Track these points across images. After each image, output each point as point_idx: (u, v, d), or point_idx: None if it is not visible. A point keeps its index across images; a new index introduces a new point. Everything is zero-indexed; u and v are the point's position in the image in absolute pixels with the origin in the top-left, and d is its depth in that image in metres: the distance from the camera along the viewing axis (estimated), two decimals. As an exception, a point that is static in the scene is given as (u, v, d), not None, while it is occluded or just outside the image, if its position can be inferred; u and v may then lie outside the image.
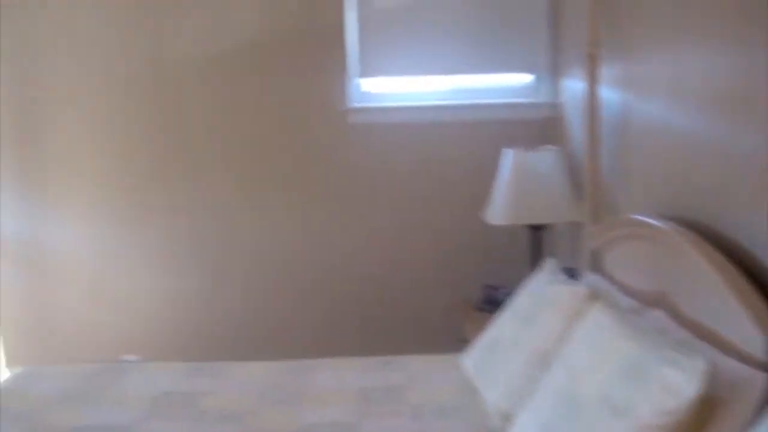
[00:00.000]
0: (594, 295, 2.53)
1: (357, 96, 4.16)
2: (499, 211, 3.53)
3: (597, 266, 3.02)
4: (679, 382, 1.72)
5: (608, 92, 3.13)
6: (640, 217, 2.63)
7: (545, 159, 3.51)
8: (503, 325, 2.85)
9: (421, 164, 4.12)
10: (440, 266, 4.16)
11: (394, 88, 4.20)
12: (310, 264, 4.19)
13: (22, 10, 4.02)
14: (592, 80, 3.10)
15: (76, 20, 4.06)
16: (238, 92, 4.09)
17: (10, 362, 3.66)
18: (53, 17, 4.05)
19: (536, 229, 3.60)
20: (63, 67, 4.08)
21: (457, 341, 3.36)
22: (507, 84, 4.18)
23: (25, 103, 4.10)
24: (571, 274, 3.07)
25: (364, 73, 4.15)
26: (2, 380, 3.40)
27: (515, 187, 3.48)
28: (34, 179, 4.16)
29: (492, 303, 3.64)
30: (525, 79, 4.18)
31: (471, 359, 2.92)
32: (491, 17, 4.10)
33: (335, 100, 4.08)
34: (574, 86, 3.66)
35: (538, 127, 4.00)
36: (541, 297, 2.73)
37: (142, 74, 4.09)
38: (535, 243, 3.61)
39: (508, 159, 3.52)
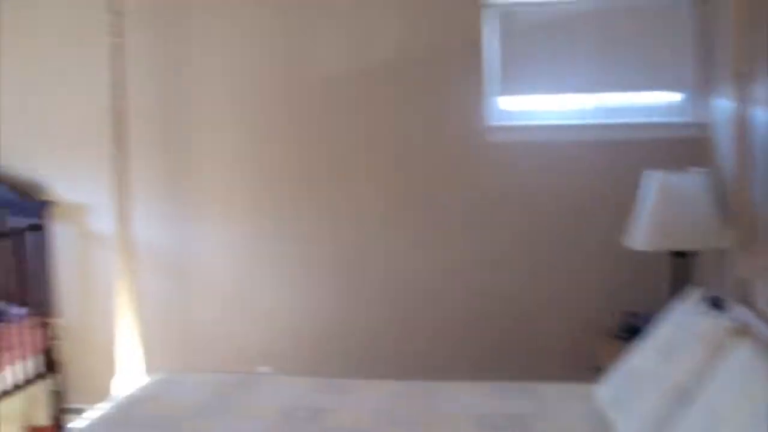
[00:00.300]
0: (741, 330, 2.36)
1: (496, 114, 4.09)
2: (641, 235, 3.37)
3: (745, 298, 2.83)
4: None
5: (761, 112, 2.93)
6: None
7: (692, 182, 3.33)
8: (642, 356, 2.71)
9: (560, 185, 4.00)
10: (576, 290, 4.02)
11: (534, 107, 4.11)
12: (444, 284, 4.14)
13: (175, 29, 4.20)
14: (742, 99, 2.92)
15: (224, 39, 4.21)
16: (377, 110, 4.12)
17: (150, 369, 3.80)
18: (202, 35, 4.22)
19: (680, 256, 3.42)
20: (209, 83, 4.24)
21: (591, 369, 3.23)
22: (653, 102, 4.01)
23: (174, 118, 4.28)
24: (717, 304, 2.88)
25: (505, 91, 4.08)
26: (140, 386, 3.53)
27: (659, 211, 3.32)
28: (178, 190, 4.33)
29: (630, 331, 3.48)
30: (673, 97, 3.99)
31: (606, 389, 2.79)
32: (638, 33, 3.94)
33: (473, 119, 4.03)
34: (724, 106, 3.46)
35: (684, 148, 3.80)
36: (682, 328, 2.58)
37: (284, 92, 4.19)
38: (678, 270, 3.42)
39: (653, 181, 3.36)
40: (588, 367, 3.36)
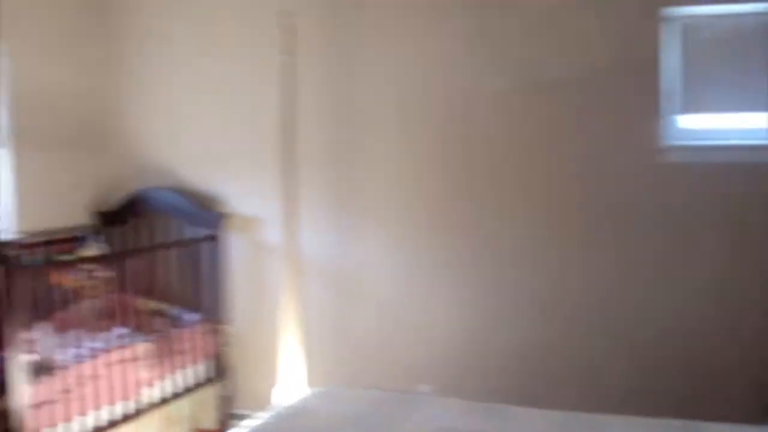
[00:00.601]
0: None
1: (674, 133, 3.86)
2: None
3: None
4: None
5: None
6: None
7: None
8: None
9: (745, 210, 3.70)
10: (756, 325, 3.70)
11: (715, 125, 3.84)
12: (617, 311, 3.92)
13: (345, 46, 4.26)
14: None
15: (392, 55, 4.23)
16: (547, 126, 3.99)
17: (312, 382, 3.85)
18: (371, 51, 4.26)
19: None
20: (376, 99, 4.27)
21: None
22: None
23: (341, 134, 4.35)
24: None
25: (686, 108, 3.84)
26: (300, 397, 3.58)
27: None
28: (344, 204, 4.39)
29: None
30: None
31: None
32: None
33: (649, 138, 3.81)
34: None
35: None
36: None
37: (450, 106, 4.15)
38: None
39: None
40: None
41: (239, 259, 4.62)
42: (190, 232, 4.59)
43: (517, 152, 4.06)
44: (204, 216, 4.58)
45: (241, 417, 4.30)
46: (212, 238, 4.54)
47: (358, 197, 4.37)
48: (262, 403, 4.14)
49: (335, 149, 4.39)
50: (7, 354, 3.23)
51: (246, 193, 4.61)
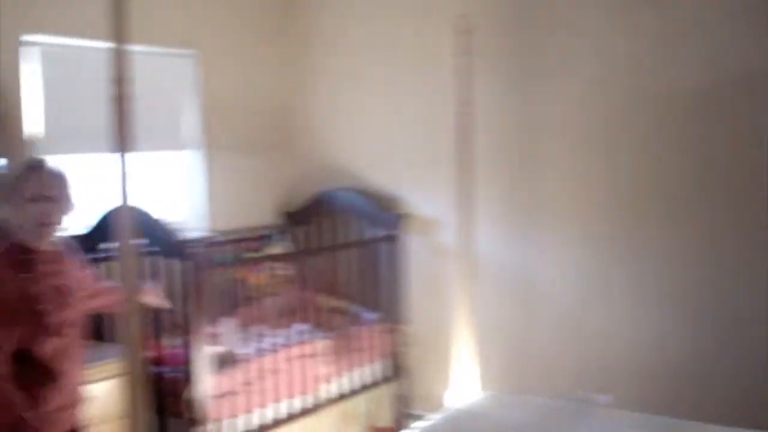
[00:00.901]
0: None
1: None
2: None
3: None
4: None
5: None
6: None
7: None
8: None
9: None
10: None
11: None
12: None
13: (522, 45, 4.18)
14: None
15: (571, 53, 4.09)
16: (737, 125, 3.70)
17: (485, 386, 3.80)
18: (549, 50, 4.15)
19: None
20: (555, 99, 4.14)
21: None
22: None
23: (519, 136, 4.26)
24: None
25: None
26: (472, 401, 3.54)
27: None
28: (521, 208, 4.29)
29: None
30: None
31: None
32: None
33: None
34: None
35: None
36: None
37: (635, 105, 3.94)
38: None
39: None
40: None
41: (417, 259, 4.64)
42: (371, 232, 4.67)
43: (704, 153, 3.79)
44: (384, 217, 4.65)
45: (416, 417, 4.31)
46: (392, 239, 4.60)
47: (535, 200, 4.26)
48: (436, 405, 4.13)
49: (512, 151, 4.31)
50: (194, 346, 3.42)
51: (424, 194, 4.63)
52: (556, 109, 4.17)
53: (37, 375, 2.53)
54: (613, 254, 4.05)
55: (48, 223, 2.56)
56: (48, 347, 2.53)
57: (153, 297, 3.23)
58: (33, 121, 3.75)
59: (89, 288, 2.82)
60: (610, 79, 4.01)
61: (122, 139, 2.21)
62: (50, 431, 2.57)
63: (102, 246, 3.49)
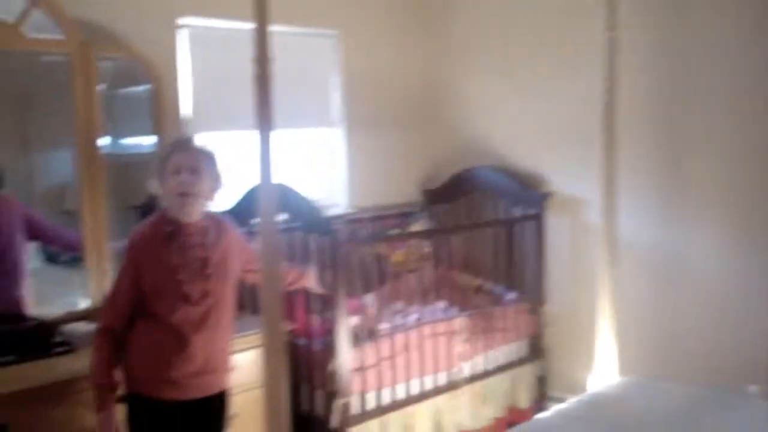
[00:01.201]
0: None
1: None
2: None
3: None
4: None
5: None
6: None
7: None
8: None
9: None
10: None
11: None
12: None
13: (672, 19, 3.99)
14: None
15: (723, 27, 3.86)
16: None
17: (625, 370, 3.68)
18: (701, 25, 3.93)
19: None
20: (704, 76, 3.91)
21: None
22: None
23: (666, 113, 4.08)
24: None
25: None
26: (610, 385, 3.46)
27: None
28: (668, 187, 4.11)
29: None
30: None
31: None
32: None
33: None
34: None
35: None
36: None
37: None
38: None
39: None
40: None
41: (559, 239, 4.55)
42: (513, 210, 4.62)
43: None
44: (526, 195, 4.58)
45: (556, 399, 4.25)
46: (534, 218, 4.53)
47: (683, 180, 4.05)
48: (575, 387, 4.05)
49: (659, 129, 4.12)
50: (338, 320, 3.49)
51: (568, 173, 4.52)
52: (705, 85, 3.93)
53: (170, 341, 2.65)
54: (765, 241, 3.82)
55: (186, 193, 2.63)
56: (181, 316, 2.64)
57: (313, 282, 3.36)
58: (185, 101, 3.92)
59: (249, 262, 2.92)
60: (759, 54, 3.76)
61: (264, 117, 2.28)
62: (183, 395, 2.69)
63: (246, 221, 3.61)
